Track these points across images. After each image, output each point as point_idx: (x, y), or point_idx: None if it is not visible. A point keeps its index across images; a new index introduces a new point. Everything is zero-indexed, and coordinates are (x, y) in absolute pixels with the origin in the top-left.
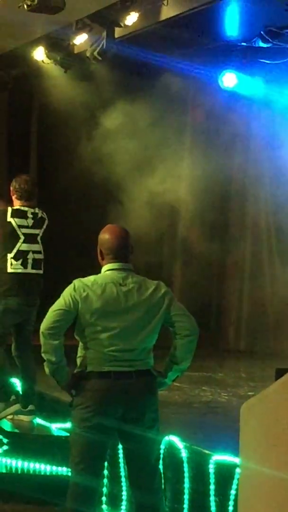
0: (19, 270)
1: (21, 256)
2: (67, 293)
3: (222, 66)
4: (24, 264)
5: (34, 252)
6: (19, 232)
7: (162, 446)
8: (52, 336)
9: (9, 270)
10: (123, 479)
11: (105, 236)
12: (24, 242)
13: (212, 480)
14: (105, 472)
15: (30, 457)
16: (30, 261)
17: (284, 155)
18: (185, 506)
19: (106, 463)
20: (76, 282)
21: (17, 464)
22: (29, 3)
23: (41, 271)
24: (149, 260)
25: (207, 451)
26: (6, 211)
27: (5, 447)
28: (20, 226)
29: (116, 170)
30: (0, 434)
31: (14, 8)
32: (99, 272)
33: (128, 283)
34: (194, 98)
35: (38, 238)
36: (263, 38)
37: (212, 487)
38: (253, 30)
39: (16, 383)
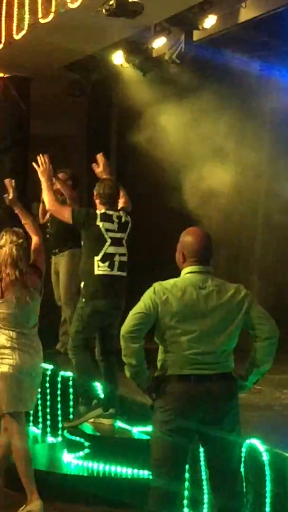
0: (106, 272)
1: (108, 258)
2: (147, 297)
3: None
4: (111, 267)
5: (120, 255)
6: (106, 236)
7: (243, 449)
8: (133, 340)
9: (96, 272)
10: (204, 483)
11: (188, 238)
12: (111, 245)
13: None
14: (186, 475)
15: (111, 460)
16: (116, 263)
17: None
18: (267, 509)
19: (187, 466)
20: (156, 285)
21: (99, 467)
22: (107, 7)
23: (125, 274)
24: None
25: None
26: (96, 215)
27: (86, 450)
28: (107, 230)
29: (193, 176)
30: (81, 437)
31: (92, 13)
32: (177, 275)
33: (208, 286)
34: (272, 100)
35: (123, 241)
36: None
37: None
38: None
39: (98, 386)
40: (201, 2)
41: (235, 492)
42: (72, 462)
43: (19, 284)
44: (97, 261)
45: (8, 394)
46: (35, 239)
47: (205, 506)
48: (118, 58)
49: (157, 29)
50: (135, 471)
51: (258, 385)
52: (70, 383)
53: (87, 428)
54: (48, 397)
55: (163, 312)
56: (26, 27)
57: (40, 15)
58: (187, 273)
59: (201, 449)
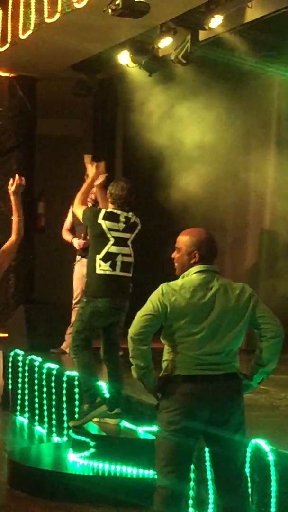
0: (108, 272)
1: (110, 258)
2: (155, 298)
3: None
4: (113, 266)
5: (124, 255)
6: (108, 235)
7: (249, 450)
8: (141, 342)
9: (97, 271)
10: (209, 483)
11: (192, 238)
12: (113, 244)
13: None
14: (192, 475)
15: (116, 460)
16: (119, 263)
17: None
18: (272, 509)
19: (192, 466)
20: (164, 286)
21: (104, 467)
22: (113, 7)
23: (130, 274)
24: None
25: None
26: (99, 212)
27: (92, 450)
28: (110, 229)
29: (201, 175)
30: (87, 437)
31: (98, 13)
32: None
33: (214, 286)
34: (279, 101)
35: (129, 242)
36: None
37: None
38: None
39: (103, 386)
40: (207, 2)
41: (240, 492)
42: (78, 462)
43: None
44: (99, 260)
45: None
46: (13, 238)
47: (211, 506)
48: (124, 58)
49: (163, 29)
50: (141, 471)
51: (263, 385)
52: (76, 382)
53: (93, 428)
54: (54, 396)
55: (172, 313)
56: (32, 27)
57: (46, 15)
58: (194, 273)
59: (207, 449)
